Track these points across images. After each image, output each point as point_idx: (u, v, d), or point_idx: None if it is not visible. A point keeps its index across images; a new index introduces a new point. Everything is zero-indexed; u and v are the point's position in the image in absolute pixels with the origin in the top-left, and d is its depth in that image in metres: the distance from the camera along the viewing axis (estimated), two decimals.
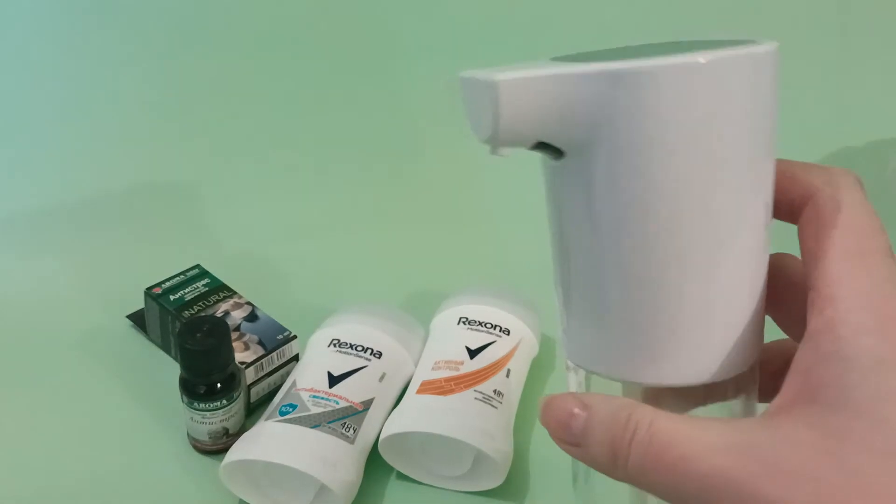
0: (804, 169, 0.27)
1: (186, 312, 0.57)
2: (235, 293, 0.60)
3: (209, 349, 0.48)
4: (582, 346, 0.29)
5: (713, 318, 0.26)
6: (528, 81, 0.25)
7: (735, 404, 0.28)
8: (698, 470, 0.22)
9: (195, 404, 0.49)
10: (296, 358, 0.57)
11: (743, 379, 0.28)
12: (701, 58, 0.24)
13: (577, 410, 0.25)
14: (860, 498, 0.21)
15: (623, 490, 0.28)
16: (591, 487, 0.32)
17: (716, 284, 0.26)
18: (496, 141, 0.25)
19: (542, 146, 0.26)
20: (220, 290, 0.60)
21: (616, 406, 0.25)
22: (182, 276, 0.61)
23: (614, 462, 0.24)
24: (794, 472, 0.22)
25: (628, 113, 0.24)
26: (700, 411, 0.28)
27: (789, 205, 0.27)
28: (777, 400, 0.24)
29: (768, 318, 0.28)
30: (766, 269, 0.27)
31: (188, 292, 0.59)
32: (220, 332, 0.49)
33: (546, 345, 0.61)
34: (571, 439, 0.26)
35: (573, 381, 0.31)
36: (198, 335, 0.49)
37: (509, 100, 0.24)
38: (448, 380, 0.51)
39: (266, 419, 0.49)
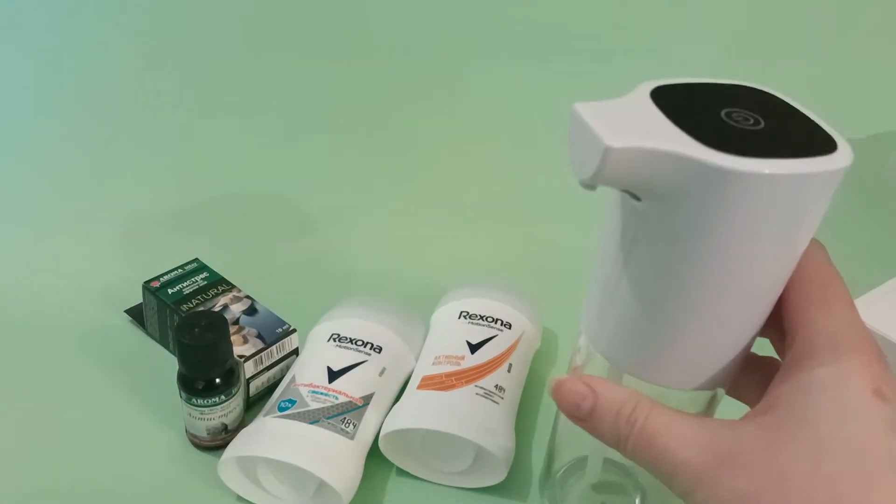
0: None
1: (185, 306, 0.57)
2: (234, 287, 0.59)
3: (208, 345, 0.48)
4: (607, 340, 0.35)
5: (716, 352, 0.34)
6: (636, 151, 0.28)
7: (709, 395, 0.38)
8: (674, 458, 0.29)
9: (193, 400, 0.49)
10: (295, 352, 0.56)
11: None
12: (777, 168, 0.28)
13: (586, 392, 0.32)
14: (782, 483, 0.27)
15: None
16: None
17: (725, 330, 0.33)
18: (589, 186, 0.30)
19: (625, 190, 0.31)
20: (218, 283, 0.59)
21: (623, 397, 0.31)
22: (180, 270, 0.60)
23: (617, 442, 0.31)
24: (739, 463, 0.28)
25: (714, 197, 0.29)
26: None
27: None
28: (750, 412, 0.30)
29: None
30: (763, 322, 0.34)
31: (187, 286, 0.58)
32: (218, 327, 0.49)
33: (547, 338, 0.61)
34: (581, 415, 0.32)
35: (580, 359, 0.39)
36: (196, 330, 0.48)
37: (614, 163, 0.28)
38: (449, 375, 0.51)
39: (265, 415, 0.49)
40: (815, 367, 0.29)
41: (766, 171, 0.28)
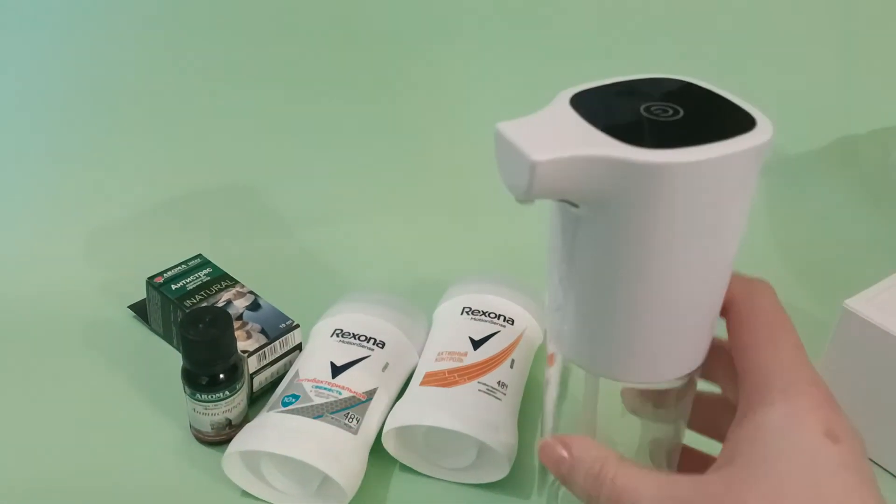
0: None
1: (188, 302, 0.57)
2: (237, 282, 0.59)
3: (212, 340, 0.48)
4: (573, 346, 0.37)
5: (674, 341, 0.34)
6: (561, 161, 0.29)
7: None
8: None
9: (198, 395, 0.49)
10: (298, 347, 0.56)
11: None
12: (698, 155, 0.29)
13: (563, 454, 0.34)
14: None
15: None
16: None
17: (679, 319, 0.33)
18: (525, 201, 0.30)
19: (562, 200, 0.32)
20: (221, 279, 0.59)
21: (592, 457, 0.33)
22: (184, 266, 0.60)
23: (589, 500, 0.33)
24: None
25: (642, 192, 0.29)
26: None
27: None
28: (713, 465, 0.32)
29: None
30: (720, 304, 0.34)
31: (190, 282, 0.59)
32: (222, 322, 0.49)
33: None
34: (561, 477, 0.34)
35: (555, 370, 0.40)
36: (200, 326, 0.48)
37: (543, 175, 0.29)
38: (451, 371, 0.51)
39: (269, 410, 0.49)
40: (768, 411, 0.30)
41: (688, 160, 0.28)
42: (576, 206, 0.32)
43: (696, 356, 0.36)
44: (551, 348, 0.43)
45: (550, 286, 0.37)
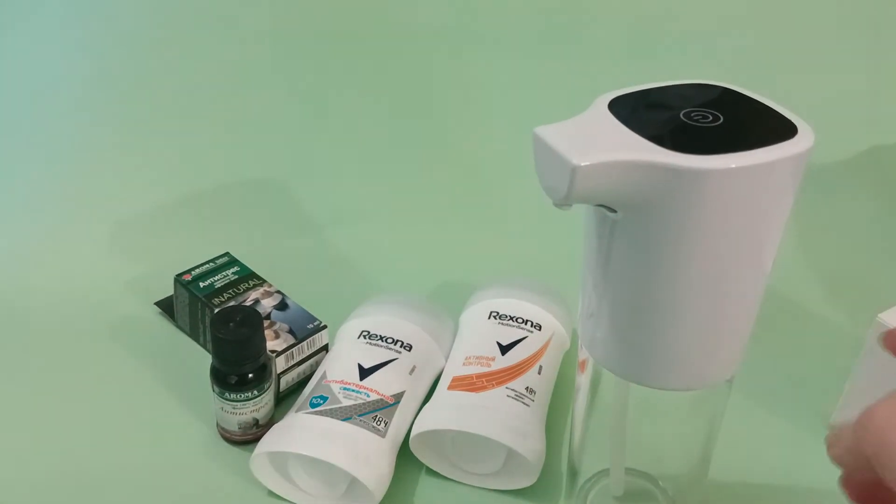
0: None
1: (216, 300, 0.57)
2: (265, 281, 0.59)
3: (242, 339, 0.48)
4: (606, 352, 0.37)
5: (709, 348, 0.34)
6: (603, 166, 0.28)
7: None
8: None
9: (226, 395, 0.49)
10: (325, 348, 0.56)
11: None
12: (742, 161, 0.28)
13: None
14: None
15: None
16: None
17: (714, 326, 0.34)
18: (563, 205, 0.30)
19: (599, 205, 0.31)
20: (249, 278, 0.59)
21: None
22: (212, 264, 0.60)
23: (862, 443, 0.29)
24: None
25: (683, 198, 0.29)
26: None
27: None
28: None
29: None
30: (756, 312, 0.35)
31: (218, 280, 0.59)
32: (253, 322, 0.49)
33: (577, 339, 0.60)
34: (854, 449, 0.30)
35: (585, 377, 0.41)
36: (231, 325, 0.48)
37: (583, 180, 0.28)
38: (479, 376, 0.51)
39: (297, 411, 0.49)
40: None
41: (732, 166, 0.28)
42: (613, 211, 0.31)
43: (730, 365, 0.36)
44: (583, 355, 0.43)
45: (584, 292, 0.37)
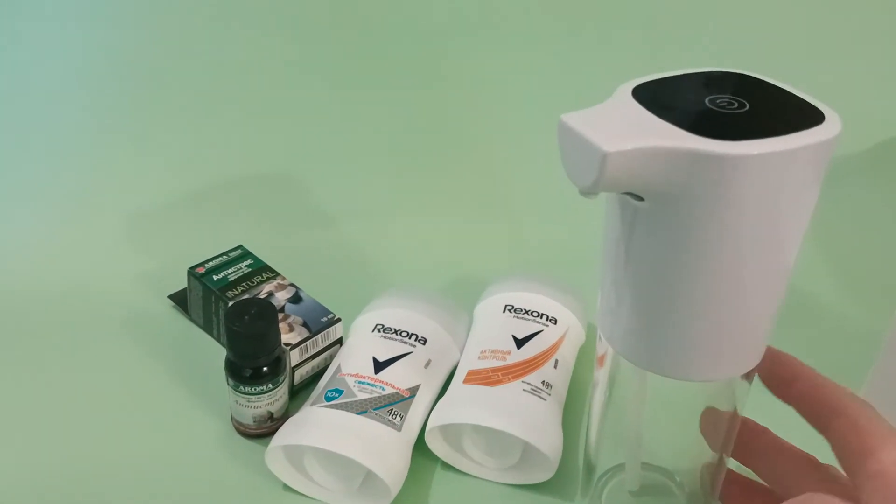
0: (833, 390, 0.36)
1: (230, 293, 0.57)
2: (279, 274, 0.59)
3: (257, 333, 0.48)
4: (627, 341, 0.36)
5: (732, 338, 0.34)
6: (632, 153, 0.28)
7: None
8: None
9: (241, 388, 0.49)
10: (339, 341, 0.56)
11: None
12: (769, 147, 0.28)
13: None
14: None
15: None
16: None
17: (740, 315, 0.33)
18: (589, 194, 0.30)
19: (625, 193, 0.31)
20: (263, 271, 0.59)
21: None
22: (225, 257, 0.60)
23: None
24: None
25: (713, 184, 0.29)
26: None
27: (818, 417, 0.36)
28: None
29: None
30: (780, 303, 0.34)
31: (231, 273, 0.58)
32: (268, 315, 0.49)
33: (593, 333, 0.60)
34: None
35: (603, 372, 0.41)
36: (246, 318, 0.48)
37: (613, 167, 0.28)
38: (495, 370, 0.50)
39: (312, 404, 0.49)
40: (887, 455, 0.31)
41: (761, 151, 0.28)
42: (640, 199, 0.31)
43: (751, 358, 0.36)
44: (601, 349, 0.42)
45: (605, 280, 0.36)
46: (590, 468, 0.48)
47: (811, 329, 0.61)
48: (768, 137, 0.28)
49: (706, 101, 0.31)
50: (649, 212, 0.31)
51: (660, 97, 0.31)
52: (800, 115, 0.30)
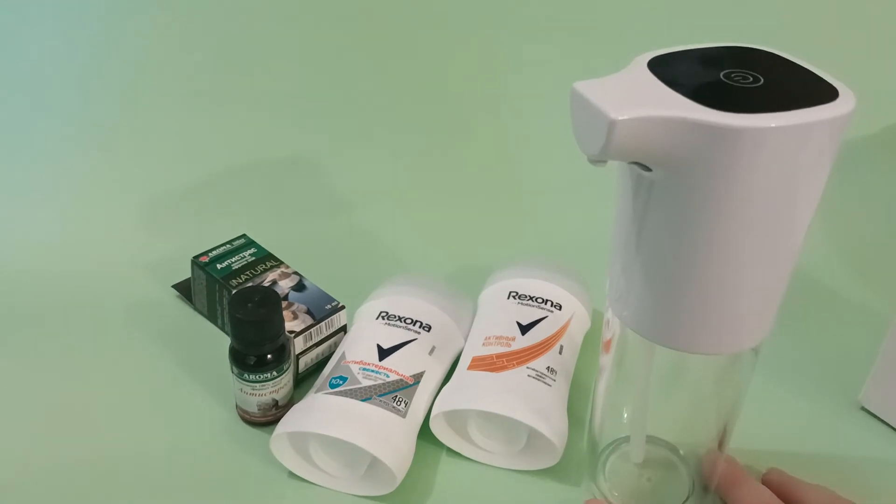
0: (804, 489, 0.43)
1: (234, 281, 0.56)
2: (282, 263, 0.59)
3: (261, 320, 0.48)
4: (636, 315, 0.36)
5: (741, 311, 0.34)
6: (641, 121, 0.28)
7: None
8: None
9: (245, 376, 0.49)
10: (343, 329, 0.56)
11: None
12: (782, 121, 0.28)
13: None
14: None
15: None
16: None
17: (748, 288, 0.33)
18: (598, 162, 0.30)
19: (634, 163, 0.31)
20: (266, 259, 0.59)
21: None
22: (228, 246, 0.60)
23: None
24: None
25: (723, 156, 0.29)
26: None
27: None
28: None
29: None
30: (788, 277, 0.34)
31: (235, 261, 0.58)
32: (271, 302, 0.48)
33: (598, 319, 0.60)
34: None
35: (609, 358, 0.41)
36: (249, 305, 0.48)
37: (621, 135, 0.28)
38: (500, 356, 0.50)
39: (316, 391, 0.48)
40: None
41: (773, 125, 0.28)
42: (648, 169, 0.31)
43: (758, 331, 0.36)
44: (607, 335, 0.42)
45: (614, 253, 0.36)
46: (594, 452, 0.48)
47: (821, 312, 0.61)
48: (781, 111, 0.28)
49: (721, 74, 0.31)
50: (658, 182, 0.31)
51: (674, 69, 0.31)
52: (814, 91, 0.30)
